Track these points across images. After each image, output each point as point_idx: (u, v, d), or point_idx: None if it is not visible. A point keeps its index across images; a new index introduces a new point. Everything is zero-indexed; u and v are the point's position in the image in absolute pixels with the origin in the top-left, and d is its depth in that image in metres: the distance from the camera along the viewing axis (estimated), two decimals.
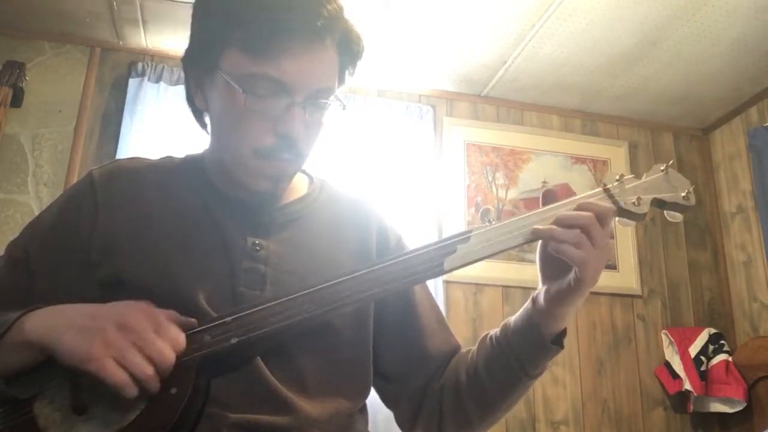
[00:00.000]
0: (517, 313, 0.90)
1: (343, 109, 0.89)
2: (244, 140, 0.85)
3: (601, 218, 0.80)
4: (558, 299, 0.83)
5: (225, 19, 0.84)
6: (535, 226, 0.82)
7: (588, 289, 0.81)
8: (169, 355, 0.72)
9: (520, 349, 0.88)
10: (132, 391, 0.70)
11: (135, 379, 0.70)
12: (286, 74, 0.82)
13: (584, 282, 0.80)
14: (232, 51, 0.83)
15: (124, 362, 0.70)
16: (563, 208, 0.83)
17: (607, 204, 0.83)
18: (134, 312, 0.74)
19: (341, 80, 0.92)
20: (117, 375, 0.69)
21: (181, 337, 0.74)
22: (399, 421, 1.01)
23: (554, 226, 0.80)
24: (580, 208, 0.82)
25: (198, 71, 0.89)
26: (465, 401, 0.93)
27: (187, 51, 0.91)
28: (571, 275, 0.81)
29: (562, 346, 0.88)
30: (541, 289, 0.86)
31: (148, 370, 0.70)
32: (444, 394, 0.95)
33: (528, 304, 0.88)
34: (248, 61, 0.82)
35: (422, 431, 0.98)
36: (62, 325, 0.74)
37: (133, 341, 0.71)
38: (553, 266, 0.83)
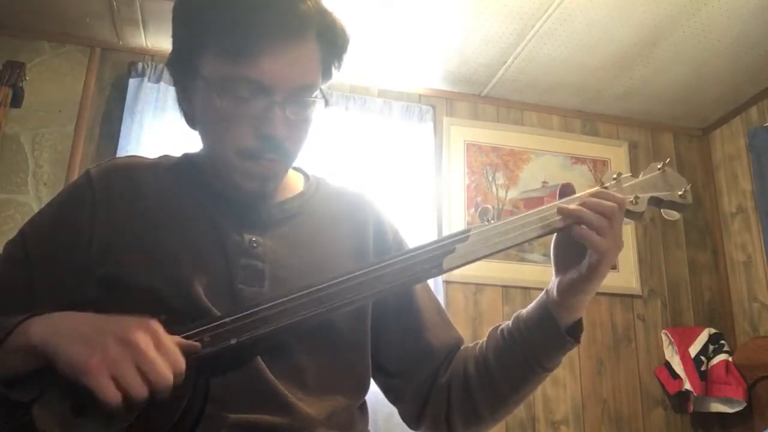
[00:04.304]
0: (530, 306, 0.91)
1: (326, 105, 0.88)
2: (227, 143, 0.84)
3: (623, 208, 0.83)
4: (571, 289, 0.85)
5: (199, 24, 0.83)
6: (561, 205, 0.83)
7: (602, 277, 0.84)
8: (167, 377, 0.69)
9: (534, 340, 0.88)
10: (120, 408, 0.67)
11: (127, 397, 0.67)
12: (263, 74, 0.80)
13: (599, 270, 0.82)
14: (208, 55, 0.82)
15: (120, 379, 0.67)
16: (573, 203, 0.84)
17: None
18: (138, 328, 0.71)
19: (326, 75, 0.90)
20: (109, 392, 0.66)
21: (181, 362, 0.71)
22: (404, 416, 1.01)
23: (582, 208, 0.82)
24: (599, 196, 0.83)
25: (180, 76, 0.89)
26: (474, 394, 0.93)
27: (170, 57, 0.91)
28: (585, 263, 0.82)
29: (577, 341, 0.89)
30: (554, 281, 0.88)
31: (143, 391, 0.67)
32: (452, 388, 0.95)
33: (542, 296, 0.90)
34: (225, 64, 0.81)
35: (429, 426, 0.98)
36: (65, 332, 0.72)
37: (132, 358, 0.68)
38: (567, 256, 0.85)
